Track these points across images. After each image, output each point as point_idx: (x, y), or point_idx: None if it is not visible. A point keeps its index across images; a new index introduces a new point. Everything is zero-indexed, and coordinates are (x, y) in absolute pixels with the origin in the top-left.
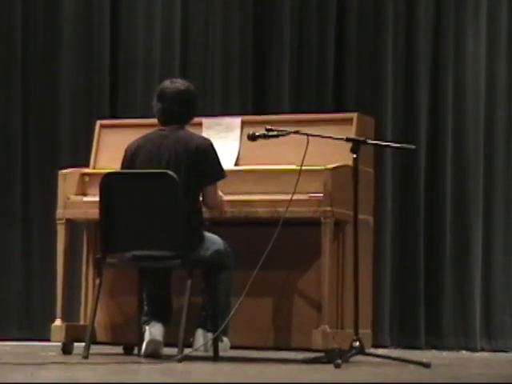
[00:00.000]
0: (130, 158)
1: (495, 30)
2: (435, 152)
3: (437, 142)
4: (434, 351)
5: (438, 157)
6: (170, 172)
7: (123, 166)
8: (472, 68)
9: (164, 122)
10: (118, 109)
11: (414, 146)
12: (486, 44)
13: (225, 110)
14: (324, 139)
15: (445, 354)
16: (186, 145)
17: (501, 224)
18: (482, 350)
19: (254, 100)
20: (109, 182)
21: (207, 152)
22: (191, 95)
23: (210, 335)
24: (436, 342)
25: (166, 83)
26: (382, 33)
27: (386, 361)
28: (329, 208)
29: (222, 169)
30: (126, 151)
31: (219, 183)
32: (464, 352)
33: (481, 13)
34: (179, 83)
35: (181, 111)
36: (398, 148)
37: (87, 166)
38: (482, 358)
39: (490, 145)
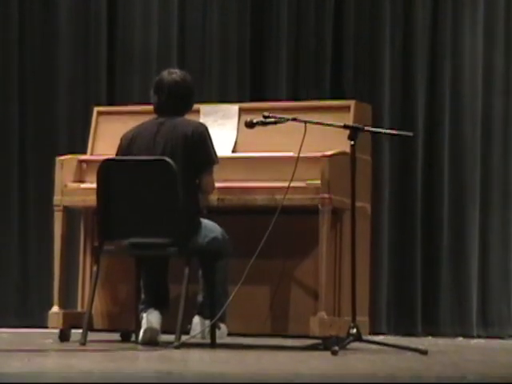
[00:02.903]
0: (126, 146)
1: (493, 20)
2: (432, 139)
3: (434, 130)
4: (430, 338)
5: (436, 144)
6: (168, 159)
7: (118, 154)
8: (469, 56)
9: (161, 114)
10: (116, 95)
11: (411, 133)
12: (483, 33)
13: (222, 97)
14: (321, 126)
15: (441, 341)
16: (183, 130)
17: (498, 212)
18: (479, 337)
19: (251, 87)
20: (106, 169)
21: (203, 136)
22: (188, 87)
23: (207, 322)
24: (433, 330)
25: (163, 74)
26: (380, 21)
27: (383, 348)
28: (326, 195)
29: (216, 154)
30: (121, 139)
31: (215, 169)
32: (460, 339)
33: (478, 2)
34: (176, 75)
35: (177, 104)
36: (395, 135)
37: (84, 152)
38: (478, 345)
39: (488, 132)
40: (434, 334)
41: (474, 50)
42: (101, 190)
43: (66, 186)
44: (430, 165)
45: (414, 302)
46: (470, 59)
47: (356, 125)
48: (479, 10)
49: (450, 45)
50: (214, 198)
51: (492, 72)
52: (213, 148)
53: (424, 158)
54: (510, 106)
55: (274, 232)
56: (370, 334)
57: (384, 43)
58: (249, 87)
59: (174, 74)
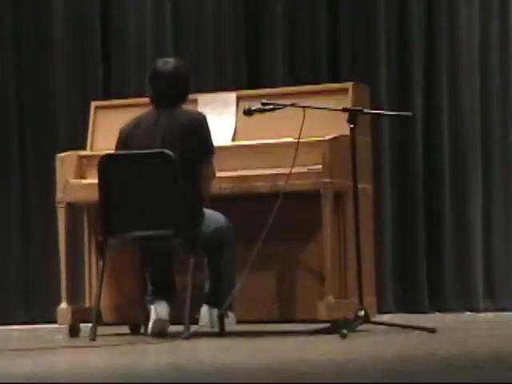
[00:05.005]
0: (125, 139)
1: None
2: (431, 115)
3: (433, 106)
4: (437, 314)
5: (435, 120)
6: (168, 151)
7: (118, 147)
8: (466, 28)
9: (158, 105)
10: (112, 89)
11: (410, 113)
12: (479, 4)
13: (219, 85)
14: (320, 110)
15: (449, 316)
16: (181, 120)
17: (500, 183)
18: (486, 310)
19: (248, 74)
20: (107, 164)
21: (202, 126)
22: (183, 76)
23: (215, 311)
24: (439, 304)
25: (158, 64)
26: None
27: (391, 328)
28: (328, 179)
29: (212, 145)
30: (120, 132)
31: (213, 159)
32: (468, 313)
33: None
34: (170, 64)
35: (173, 94)
36: (394, 115)
37: (84, 147)
38: (485, 320)
39: (486, 105)
40: (441, 309)
41: (470, 22)
42: (102, 185)
43: (67, 182)
44: (429, 140)
45: (419, 279)
46: (467, 31)
47: (355, 108)
48: None
49: (446, 17)
50: (215, 187)
51: (488, 43)
52: (211, 137)
53: (423, 133)
54: (507, 81)
55: (277, 217)
56: (377, 313)
57: (379, 21)
58: (245, 73)
59: (168, 63)
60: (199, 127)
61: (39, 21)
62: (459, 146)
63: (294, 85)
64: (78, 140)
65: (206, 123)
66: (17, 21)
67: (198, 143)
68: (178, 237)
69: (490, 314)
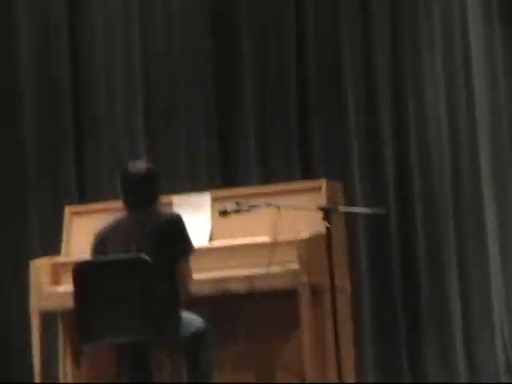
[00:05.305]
0: (100, 244)
1: (452, 68)
2: (404, 207)
3: (407, 200)
4: None
5: (408, 211)
6: (143, 256)
7: (93, 252)
8: (433, 110)
9: (131, 207)
10: (87, 193)
11: (383, 212)
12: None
13: (193, 184)
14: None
15: None
16: (157, 222)
17: (476, 273)
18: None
19: (221, 172)
20: (82, 271)
21: (179, 226)
22: (151, 178)
23: None
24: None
25: (127, 167)
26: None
27: None
28: (305, 278)
29: (191, 243)
30: (95, 237)
31: (191, 258)
32: None
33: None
34: (138, 165)
35: (145, 193)
36: (368, 214)
37: (59, 253)
38: None
39: (457, 193)
40: None
41: (437, 107)
42: (78, 293)
43: (41, 290)
44: (403, 231)
45: (400, 370)
46: (435, 113)
47: (329, 206)
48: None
49: (412, 93)
50: (192, 288)
51: (456, 129)
52: (189, 236)
53: (398, 228)
54: (478, 165)
55: (255, 317)
56: None
57: (349, 118)
58: (219, 172)
59: (137, 164)
60: (177, 226)
61: (9, 119)
62: (433, 232)
63: (268, 182)
64: (52, 246)
65: (183, 221)
66: None
67: (176, 243)
68: (156, 341)
69: None
